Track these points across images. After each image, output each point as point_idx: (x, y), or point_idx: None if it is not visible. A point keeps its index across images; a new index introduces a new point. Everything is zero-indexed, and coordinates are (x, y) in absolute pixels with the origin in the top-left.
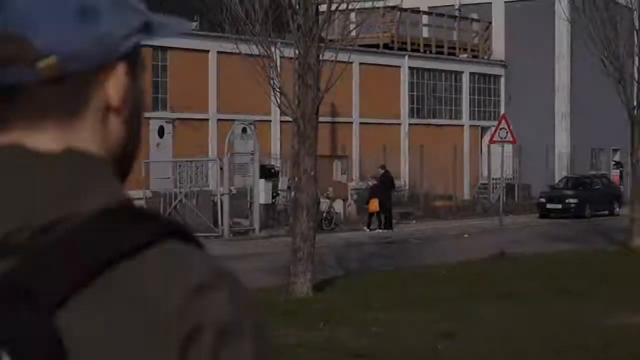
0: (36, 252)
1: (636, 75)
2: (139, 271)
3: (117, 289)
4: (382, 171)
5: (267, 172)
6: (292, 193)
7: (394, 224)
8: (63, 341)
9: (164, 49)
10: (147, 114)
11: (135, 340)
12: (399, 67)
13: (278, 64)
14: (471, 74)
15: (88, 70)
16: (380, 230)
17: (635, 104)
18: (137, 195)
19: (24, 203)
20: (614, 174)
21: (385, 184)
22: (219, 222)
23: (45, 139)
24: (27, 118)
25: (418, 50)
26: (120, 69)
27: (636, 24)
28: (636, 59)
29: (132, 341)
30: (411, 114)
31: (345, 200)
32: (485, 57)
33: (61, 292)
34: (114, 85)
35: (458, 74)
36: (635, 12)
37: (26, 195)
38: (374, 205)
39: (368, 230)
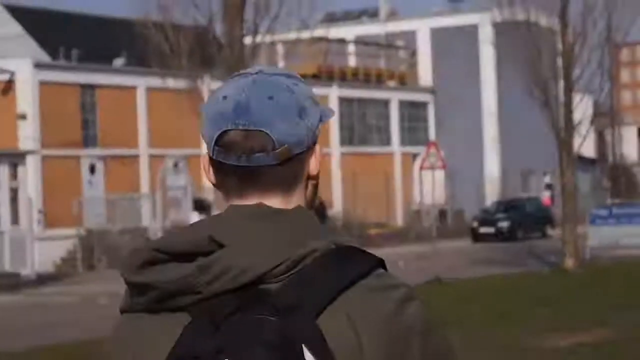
0: (296, 276)
1: (561, 98)
2: (366, 289)
3: (354, 301)
4: (316, 201)
5: (200, 206)
6: None
7: None
8: (324, 337)
9: (93, 87)
10: (78, 151)
11: (373, 329)
12: (328, 96)
13: (206, 97)
14: (400, 101)
15: (303, 153)
16: None
17: (562, 126)
18: (71, 233)
19: (281, 243)
20: (545, 196)
21: (318, 213)
22: None
23: (275, 202)
24: (264, 188)
25: (346, 80)
26: (317, 148)
27: (559, 46)
28: (560, 81)
29: (371, 330)
30: (342, 142)
31: None
32: (413, 84)
33: (319, 305)
34: (314, 161)
35: (387, 102)
36: (557, 35)
37: (283, 238)
38: None
39: None
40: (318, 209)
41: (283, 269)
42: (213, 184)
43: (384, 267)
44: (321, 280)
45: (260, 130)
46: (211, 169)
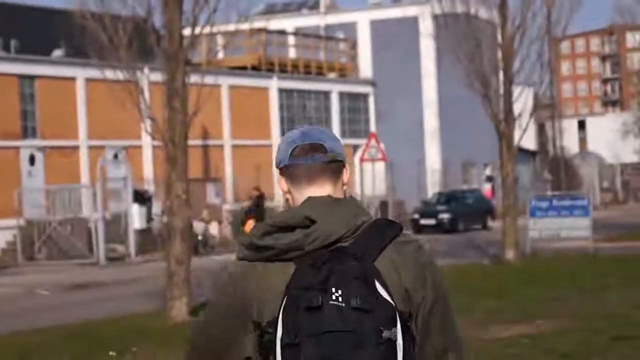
0: (358, 237)
1: (501, 90)
2: (398, 244)
3: (394, 251)
4: (256, 193)
5: (141, 197)
6: (165, 217)
7: None
8: (384, 272)
9: (32, 77)
10: (17, 142)
11: (415, 265)
12: (268, 88)
13: (146, 88)
14: (340, 93)
15: (341, 164)
16: None
17: (502, 118)
18: (10, 223)
19: (348, 218)
20: (486, 188)
21: (259, 206)
22: (94, 249)
23: (328, 189)
24: (321, 179)
25: (286, 71)
26: (348, 167)
27: (499, 38)
28: (500, 73)
29: (413, 265)
30: (282, 134)
31: (220, 222)
32: (353, 75)
33: (378, 250)
34: (346, 173)
35: (327, 94)
36: (497, 27)
37: (348, 214)
38: (249, 226)
39: None
40: (257, 199)
41: (349, 234)
42: (284, 191)
43: (403, 230)
44: (372, 240)
45: (317, 143)
46: (283, 180)
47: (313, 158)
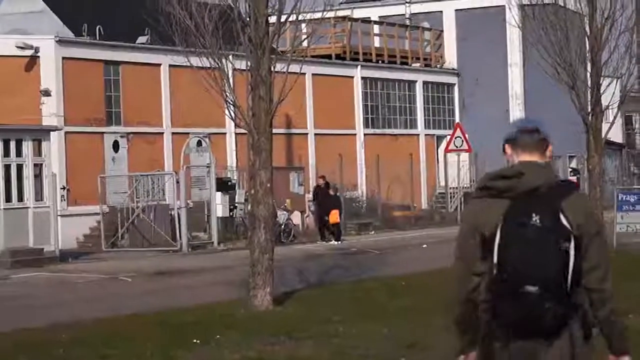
0: (550, 188)
1: (589, 82)
2: (576, 194)
3: (572, 199)
4: (323, 181)
5: (224, 185)
6: (249, 206)
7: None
8: (565, 210)
9: (117, 63)
10: (101, 129)
11: (583, 209)
12: (352, 77)
13: (230, 76)
14: (424, 82)
15: (547, 142)
16: (336, 243)
17: (589, 110)
18: (94, 210)
19: (548, 177)
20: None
21: (324, 192)
22: (177, 236)
23: (536, 157)
24: (535, 150)
25: (370, 60)
26: (550, 145)
27: (587, 29)
28: (588, 64)
29: (582, 209)
30: (366, 124)
31: (303, 212)
32: (438, 65)
33: (562, 197)
34: (549, 149)
35: (411, 83)
36: (585, 18)
37: (545, 173)
38: (335, 216)
39: (336, 242)
40: (315, 187)
41: (546, 185)
42: (508, 155)
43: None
44: (561, 190)
45: (535, 127)
46: (509, 148)
47: (531, 136)
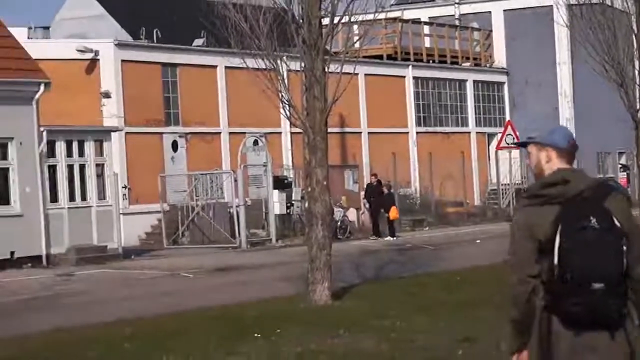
0: (592, 190)
1: (637, 79)
2: (616, 193)
3: (612, 198)
4: (375, 179)
5: (281, 183)
6: (306, 203)
7: (396, 231)
8: (611, 211)
9: (174, 65)
10: (160, 129)
11: (622, 208)
12: (404, 77)
13: (285, 76)
14: (475, 81)
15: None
16: (391, 239)
17: (637, 107)
18: (155, 208)
19: (585, 180)
20: (621, 176)
21: (377, 190)
22: (236, 233)
23: (572, 166)
24: (571, 160)
25: (421, 60)
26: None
27: (634, 27)
28: (636, 62)
29: (622, 208)
30: (418, 122)
31: (358, 209)
32: (488, 65)
33: (604, 198)
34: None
35: (462, 82)
36: (632, 16)
37: (585, 178)
38: (394, 213)
39: (391, 238)
40: (367, 185)
41: (587, 188)
42: (546, 161)
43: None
44: (601, 191)
45: (575, 141)
46: (554, 153)
47: (575, 149)
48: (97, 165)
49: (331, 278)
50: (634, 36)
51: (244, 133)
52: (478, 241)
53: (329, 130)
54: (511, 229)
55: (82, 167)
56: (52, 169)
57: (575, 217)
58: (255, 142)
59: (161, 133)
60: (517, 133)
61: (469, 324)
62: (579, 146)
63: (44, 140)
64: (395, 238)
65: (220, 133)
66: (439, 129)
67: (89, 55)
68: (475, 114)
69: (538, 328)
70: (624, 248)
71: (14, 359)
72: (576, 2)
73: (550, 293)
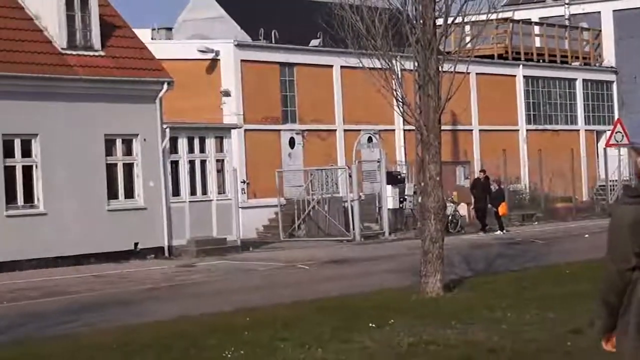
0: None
1: None
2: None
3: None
4: (483, 175)
5: (394, 179)
6: (419, 198)
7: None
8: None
9: (291, 65)
10: (278, 126)
11: (630, 217)
12: (514, 76)
13: (399, 75)
14: (584, 80)
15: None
16: (500, 233)
17: None
18: (272, 202)
19: None
20: None
21: (485, 187)
22: (351, 227)
23: None
24: None
25: (531, 60)
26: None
27: None
28: None
29: (630, 217)
30: (528, 120)
31: (468, 204)
32: (597, 63)
33: (630, 199)
34: None
35: (571, 81)
36: None
37: None
38: (504, 208)
39: (502, 232)
40: (484, 181)
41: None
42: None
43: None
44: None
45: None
46: None
47: None
48: (217, 160)
49: (443, 270)
50: None
51: (359, 130)
52: (586, 235)
53: (442, 127)
54: (611, 224)
55: (203, 163)
56: (175, 165)
57: None
58: (370, 139)
59: (279, 130)
60: (627, 131)
61: (578, 316)
62: None
63: (167, 137)
64: (503, 232)
65: (335, 130)
66: (548, 126)
67: (210, 55)
68: (585, 112)
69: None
70: None
71: (144, 345)
72: None
73: None
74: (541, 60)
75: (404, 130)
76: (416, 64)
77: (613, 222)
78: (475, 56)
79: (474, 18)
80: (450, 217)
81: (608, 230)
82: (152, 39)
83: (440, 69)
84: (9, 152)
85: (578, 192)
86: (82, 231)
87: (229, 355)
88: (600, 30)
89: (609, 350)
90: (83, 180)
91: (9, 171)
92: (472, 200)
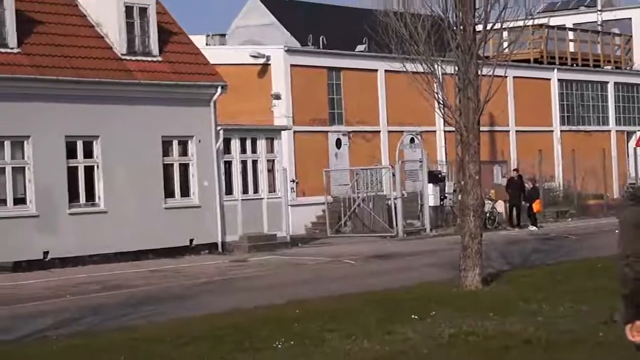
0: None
1: None
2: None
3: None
4: (516, 174)
5: (435, 177)
6: (459, 196)
7: (540, 222)
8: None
9: (338, 69)
10: (325, 128)
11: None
12: (549, 79)
13: (441, 79)
14: (615, 83)
15: None
16: (534, 229)
17: None
18: (320, 200)
19: None
20: None
21: (519, 185)
22: (394, 223)
23: None
24: None
25: (566, 64)
26: None
27: None
28: None
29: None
30: (562, 121)
31: (505, 201)
32: (628, 67)
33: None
34: None
35: (603, 84)
36: None
37: None
38: (538, 205)
39: (536, 228)
40: (517, 180)
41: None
42: None
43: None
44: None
45: None
46: None
47: None
48: (268, 161)
49: (481, 265)
50: None
51: (402, 131)
52: (617, 231)
53: (480, 128)
54: (620, 223)
55: (254, 163)
56: (228, 164)
57: None
58: (412, 140)
59: (326, 132)
60: None
61: (610, 309)
62: None
63: (221, 138)
64: (537, 228)
65: (379, 132)
66: (581, 127)
67: (261, 60)
68: (616, 113)
69: None
70: None
71: (198, 337)
72: None
73: None
74: (575, 65)
75: (445, 131)
76: (456, 68)
77: (621, 221)
78: (513, 60)
79: (511, 24)
80: (488, 214)
81: (618, 230)
82: (206, 44)
83: (479, 73)
84: (71, 153)
85: (609, 189)
86: (140, 228)
87: (280, 346)
88: (631, 36)
89: (633, 340)
90: (141, 179)
91: (72, 171)
92: (508, 198)
